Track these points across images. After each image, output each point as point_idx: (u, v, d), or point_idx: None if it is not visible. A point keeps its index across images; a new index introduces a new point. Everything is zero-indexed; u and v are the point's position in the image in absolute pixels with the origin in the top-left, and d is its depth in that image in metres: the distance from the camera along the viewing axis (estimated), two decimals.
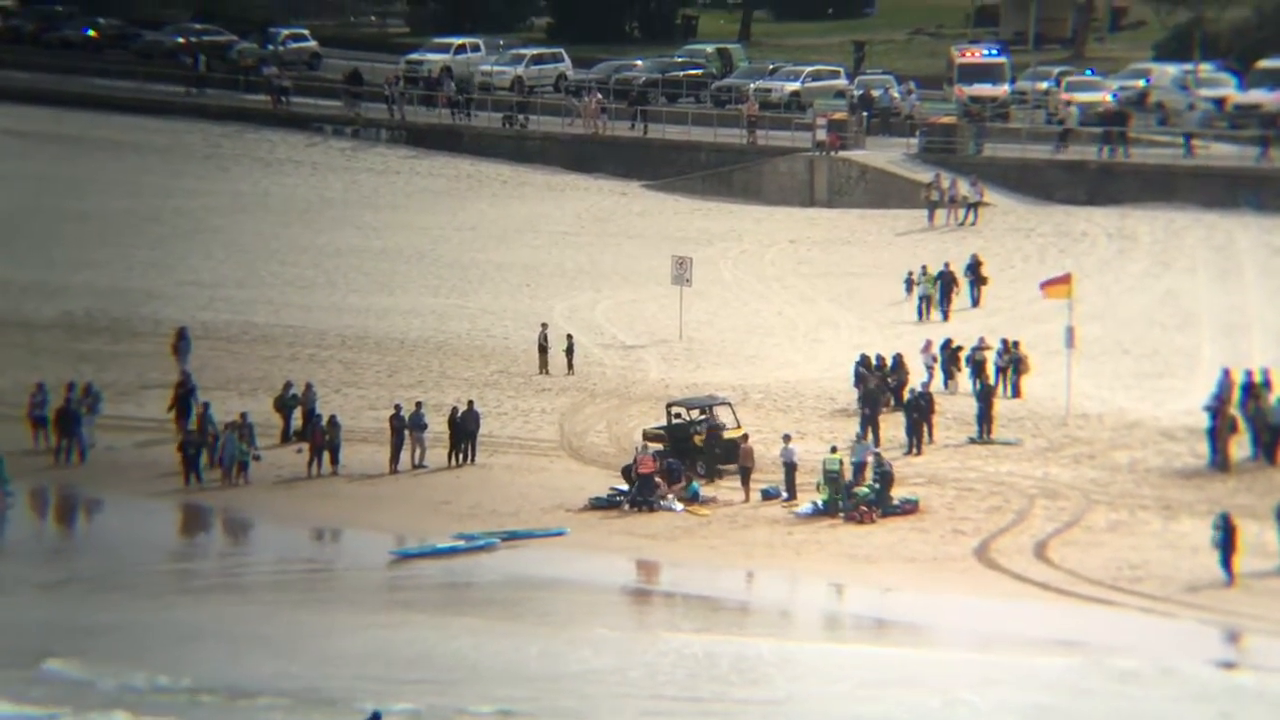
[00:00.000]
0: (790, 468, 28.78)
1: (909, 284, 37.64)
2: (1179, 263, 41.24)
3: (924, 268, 37.51)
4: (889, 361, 32.67)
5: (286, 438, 32.13)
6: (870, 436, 29.88)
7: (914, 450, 30.48)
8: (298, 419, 32.21)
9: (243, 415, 31.74)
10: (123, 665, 22.72)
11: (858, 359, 32.91)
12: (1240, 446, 29.52)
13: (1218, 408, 29.81)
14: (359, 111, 54.48)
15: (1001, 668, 23.62)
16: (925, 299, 37.16)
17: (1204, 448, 29.79)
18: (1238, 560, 25.60)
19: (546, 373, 34.89)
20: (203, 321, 38.99)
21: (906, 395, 31.33)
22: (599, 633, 25.08)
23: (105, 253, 44.43)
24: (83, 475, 31.53)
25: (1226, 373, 30.97)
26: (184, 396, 32.28)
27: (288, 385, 33.00)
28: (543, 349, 35.22)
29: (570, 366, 34.79)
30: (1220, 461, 29.18)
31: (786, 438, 29.35)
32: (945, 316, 36.82)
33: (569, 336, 35.31)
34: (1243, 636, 24.44)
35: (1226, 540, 25.69)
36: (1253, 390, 30.10)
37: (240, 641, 24.32)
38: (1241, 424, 29.39)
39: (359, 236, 46.23)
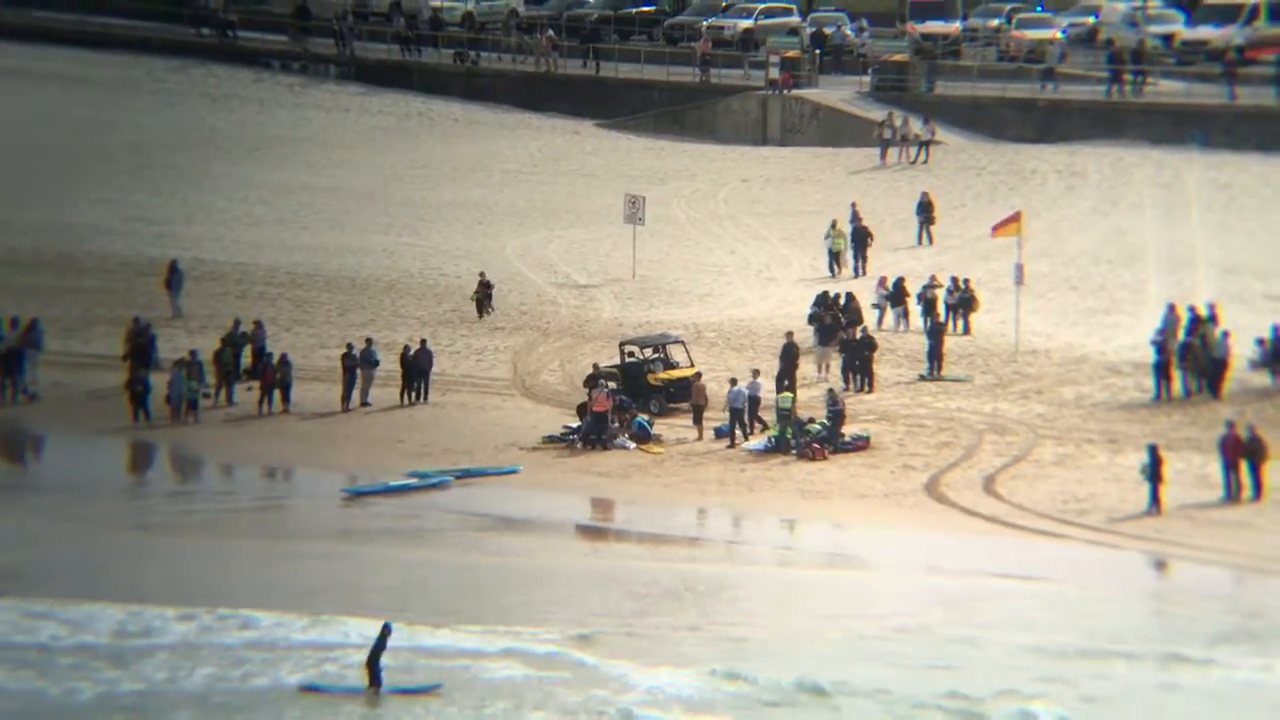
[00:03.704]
0: (736, 412, 28.61)
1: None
2: (1127, 199, 41.53)
3: (834, 223, 36.86)
4: (842, 300, 32.69)
5: (236, 376, 31.96)
6: (786, 384, 29.59)
7: (864, 388, 30.63)
8: (248, 357, 32.02)
9: (192, 353, 31.56)
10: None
11: (816, 297, 32.85)
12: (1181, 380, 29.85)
13: (1163, 342, 30.14)
14: (307, 47, 53.77)
15: (945, 593, 23.98)
16: (835, 254, 36.39)
17: (1149, 382, 30.18)
18: (1164, 490, 25.99)
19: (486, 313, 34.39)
20: (150, 258, 38.64)
21: (858, 335, 31.38)
22: (552, 562, 25.24)
23: (50, 188, 43.81)
24: (29, 413, 31.21)
25: (1171, 307, 31.26)
26: (144, 346, 31.85)
27: (237, 323, 32.76)
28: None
29: (486, 310, 34.17)
30: (1189, 390, 29.19)
31: (733, 381, 29.25)
32: (859, 272, 36.09)
33: (485, 285, 34.56)
34: (1181, 566, 24.89)
35: (1154, 470, 26.03)
36: (1197, 325, 30.42)
37: (193, 571, 24.31)
38: (1200, 357, 29.54)
39: (308, 174, 45.80)
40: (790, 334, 30.84)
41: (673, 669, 20.70)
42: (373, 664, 20.15)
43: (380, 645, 20.14)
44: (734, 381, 29.22)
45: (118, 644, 21.50)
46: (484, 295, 34.57)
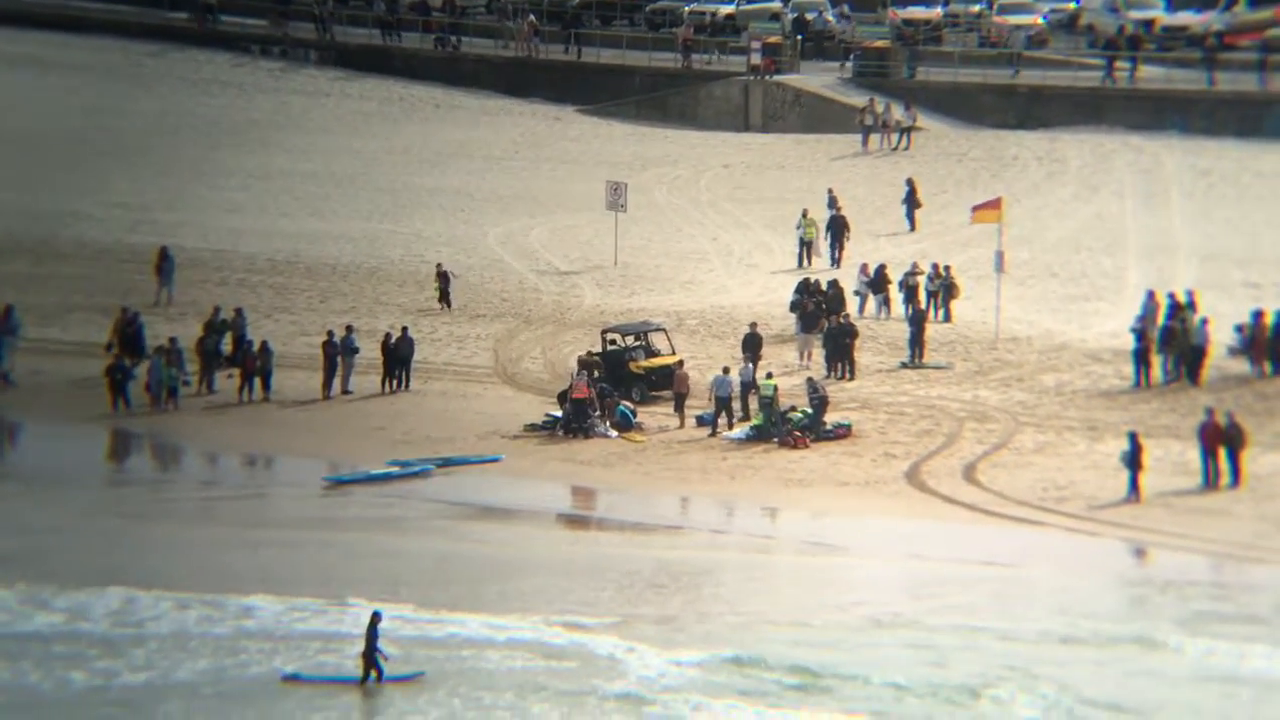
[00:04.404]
0: (720, 400, 28.58)
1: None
2: (1107, 186, 41.62)
3: (805, 211, 36.62)
4: (824, 285, 32.60)
5: (217, 363, 31.79)
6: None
7: (845, 376, 30.68)
8: (228, 344, 31.91)
9: (171, 340, 31.47)
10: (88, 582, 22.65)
11: (798, 284, 32.81)
12: (1159, 367, 29.94)
13: (1143, 329, 30.23)
14: (287, 31, 53.53)
15: (927, 580, 24.10)
16: (806, 244, 36.00)
17: (1129, 369, 30.26)
18: (1144, 478, 26.12)
19: (446, 307, 33.91)
20: (129, 245, 38.47)
21: (840, 322, 31.35)
22: (535, 551, 25.25)
23: (26, 173, 43.54)
24: (6, 399, 31.08)
25: (1151, 294, 31.35)
26: (134, 334, 31.67)
27: (217, 310, 32.65)
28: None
29: (447, 303, 33.78)
30: (1170, 375, 29.21)
31: (725, 370, 29.17)
32: (835, 263, 35.59)
33: (442, 275, 34.08)
34: (1159, 553, 25.00)
35: (1134, 458, 26.14)
36: (1177, 311, 30.53)
37: (181, 558, 24.26)
38: (1181, 341, 29.59)
39: (288, 159, 45.62)
40: (754, 324, 30.81)
41: (672, 655, 20.71)
42: (369, 654, 20.05)
43: (373, 634, 20.04)
44: (726, 370, 29.11)
45: (110, 632, 21.46)
46: (443, 286, 34.12)
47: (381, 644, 20.02)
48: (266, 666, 20.72)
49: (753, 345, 30.24)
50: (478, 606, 22.41)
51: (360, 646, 20.22)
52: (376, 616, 20.23)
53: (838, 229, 36.60)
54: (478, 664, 20.82)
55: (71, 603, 22.23)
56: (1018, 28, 47.63)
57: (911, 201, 39.09)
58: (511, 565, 24.77)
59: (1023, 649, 21.64)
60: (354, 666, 20.34)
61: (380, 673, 20.11)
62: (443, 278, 34.47)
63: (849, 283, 33.54)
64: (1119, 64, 45.57)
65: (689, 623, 22.18)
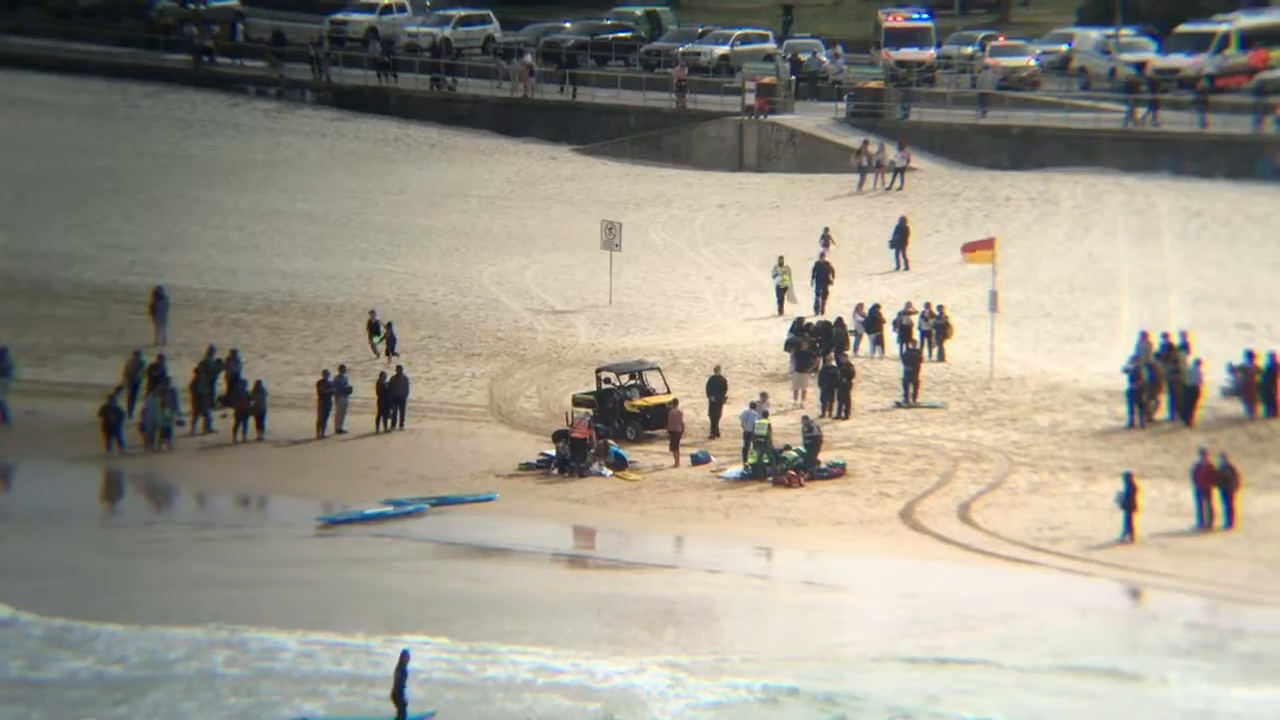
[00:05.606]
0: (749, 435, 28.62)
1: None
2: (1100, 226, 41.81)
3: (780, 259, 36.47)
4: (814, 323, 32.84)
5: (211, 403, 31.88)
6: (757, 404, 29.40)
7: (841, 415, 30.74)
8: (222, 384, 31.91)
9: (165, 380, 31.51)
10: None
11: (792, 323, 32.88)
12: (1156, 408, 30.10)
13: (1136, 370, 30.36)
14: (283, 72, 53.81)
15: (922, 619, 24.08)
16: (782, 291, 35.76)
17: (1123, 409, 30.34)
18: (1138, 519, 26.16)
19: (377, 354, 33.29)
20: (124, 285, 38.53)
21: (833, 361, 31.45)
22: (528, 589, 25.21)
23: (22, 214, 43.69)
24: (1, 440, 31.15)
25: (1144, 335, 31.47)
26: (161, 375, 31.43)
27: (211, 350, 32.69)
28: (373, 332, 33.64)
29: (390, 352, 33.16)
30: (1180, 416, 29.24)
31: (752, 404, 29.16)
32: (819, 309, 34.79)
33: (385, 325, 33.29)
34: (1153, 594, 25.03)
35: (1129, 499, 26.18)
36: (1170, 352, 30.64)
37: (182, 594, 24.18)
38: (1157, 380, 29.73)
39: (284, 199, 45.77)
40: (718, 367, 30.88)
41: (695, 689, 20.70)
42: (398, 694, 19.81)
43: (402, 674, 19.80)
44: (753, 405, 29.09)
45: (124, 674, 21.38)
46: (379, 336, 33.06)
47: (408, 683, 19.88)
48: (283, 710, 20.52)
49: (717, 388, 30.26)
50: (486, 643, 22.31)
51: (387, 687, 20.05)
52: (405, 655, 20.02)
53: (822, 274, 36.58)
54: (501, 703, 20.70)
55: (85, 640, 22.02)
56: (986, 68, 47.72)
57: (901, 241, 39.17)
58: (507, 603, 24.69)
59: (1016, 686, 21.57)
60: (372, 709, 20.12)
61: (404, 714, 19.93)
62: (374, 328, 33.37)
63: (849, 323, 33.60)
64: (1140, 108, 45.38)
65: (699, 660, 22.08)
